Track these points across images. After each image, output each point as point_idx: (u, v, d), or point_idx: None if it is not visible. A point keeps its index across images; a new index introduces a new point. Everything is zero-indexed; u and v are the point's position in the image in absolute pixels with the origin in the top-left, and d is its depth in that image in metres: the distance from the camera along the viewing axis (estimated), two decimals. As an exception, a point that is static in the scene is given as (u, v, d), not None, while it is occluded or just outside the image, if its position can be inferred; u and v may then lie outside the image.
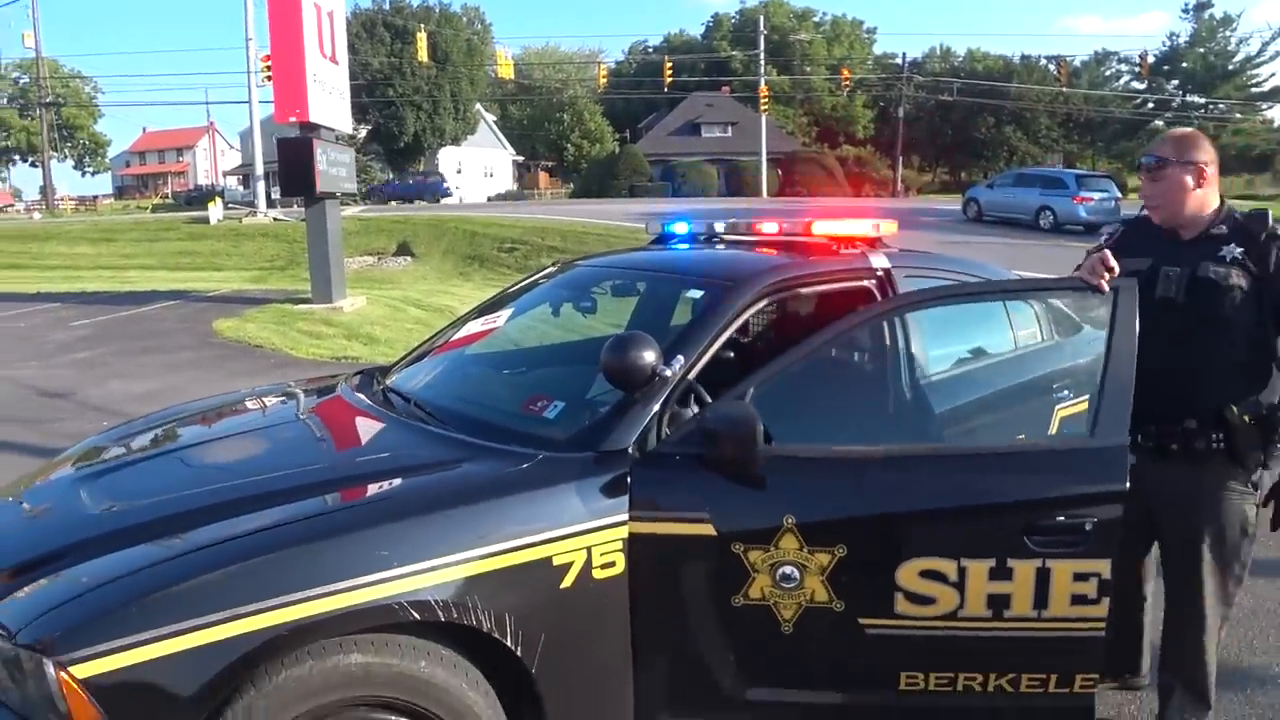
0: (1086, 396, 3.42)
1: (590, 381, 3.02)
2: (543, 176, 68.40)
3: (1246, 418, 2.77)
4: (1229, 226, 2.87)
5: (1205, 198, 2.90)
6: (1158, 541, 3.07)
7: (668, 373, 2.63)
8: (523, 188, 64.38)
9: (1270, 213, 2.86)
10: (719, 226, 3.89)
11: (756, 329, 3.82)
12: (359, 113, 14.46)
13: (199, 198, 52.45)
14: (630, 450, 2.54)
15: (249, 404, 3.65)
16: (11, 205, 64.83)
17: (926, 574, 2.52)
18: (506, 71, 41.88)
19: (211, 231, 27.06)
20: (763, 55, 50.36)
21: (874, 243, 3.55)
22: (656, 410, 2.61)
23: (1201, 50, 59.89)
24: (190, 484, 2.66)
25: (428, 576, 2.17)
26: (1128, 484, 2.53)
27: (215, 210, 30.07)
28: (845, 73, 55.95)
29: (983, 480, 2.61)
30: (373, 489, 2.48)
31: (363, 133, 48.23)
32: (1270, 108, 63.20)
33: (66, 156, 66.82)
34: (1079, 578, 2.53)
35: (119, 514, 2.44)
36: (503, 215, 29.38)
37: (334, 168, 14.29)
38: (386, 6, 50.26)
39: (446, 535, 2.24)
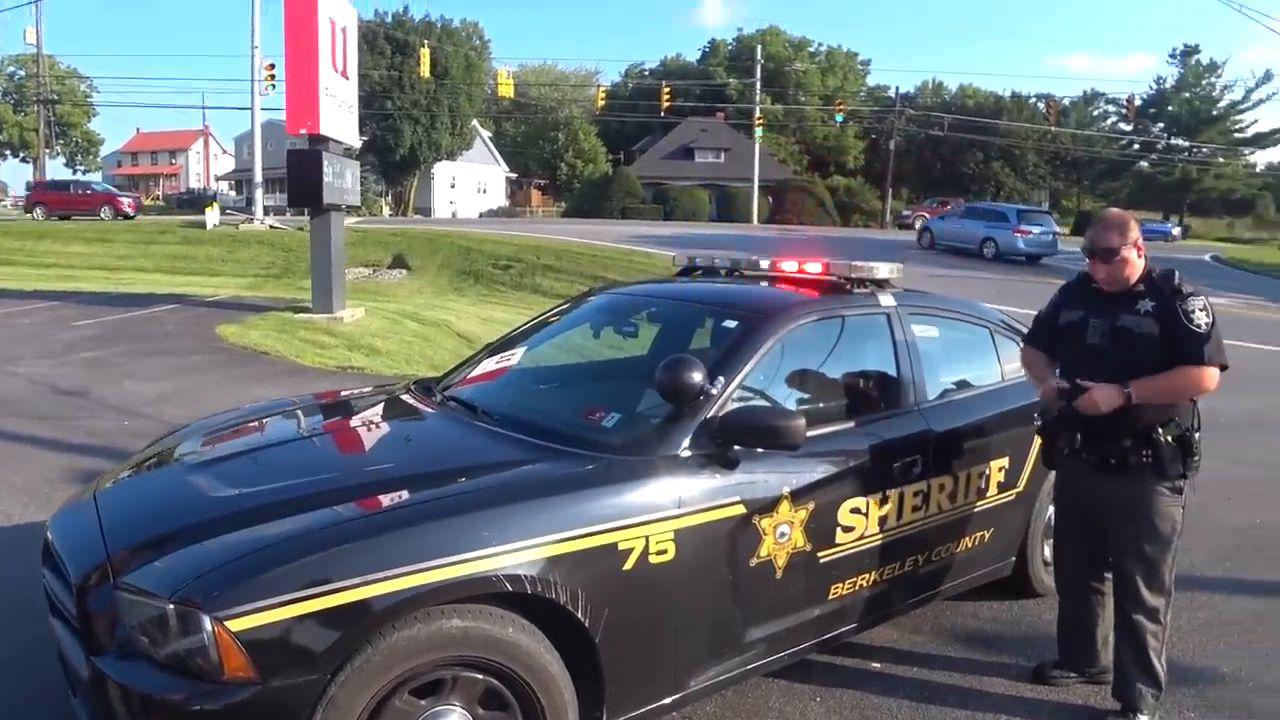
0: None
1: (639, 395, 3.57)
2: (535, 194, 68.87)
3: (1169, 438, 3.39)
4: (1145, 284, 3.47)
5: (1140, 264, 3.50)
6: (1107, 542, 3.60)
7: (713, 390, 3.15)
8: (515, 204, 64.84)
9: (1176, 273, 3.46)
10: (741, 262, 4.36)
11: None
12: (358, 124, 14.71)
13: (190, 201, 52.57)
14: (681, 454, 3.03)
15: (322, 405, 4.07)
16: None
17: (853, 510, 3.45)
18: (506, 90, 42.28)
19: (208, 236, 27.25)
20: (758, 83, 51.01)
21: (882, 283, 4.05)
22: (703, 421, 3.12)
23: (1187, 95, 61.28)
24: (308, 471, 3.07)
25: (520, 555, 2.58)
26: (935, 429, 3.77)
27: (212, 215, 30.29)
28: (838, 103, 56.65)
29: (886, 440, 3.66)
30: (467, 481, 2.87)
31: (360, 144, 48.58)
32: (1252, 153, 64.71)
33: (58, 153, 66.74)
34: (914, 494, 3.70)
35: (249, 496, 2.82)
36: (497, 232, 29.77)
37: (340, 180, 14.60)
38: (389, 20, 50.71)
39: (535, 521, 2.66)
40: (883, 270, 4.05)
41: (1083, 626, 3.81)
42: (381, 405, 3.94)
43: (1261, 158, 66.60)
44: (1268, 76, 57.92)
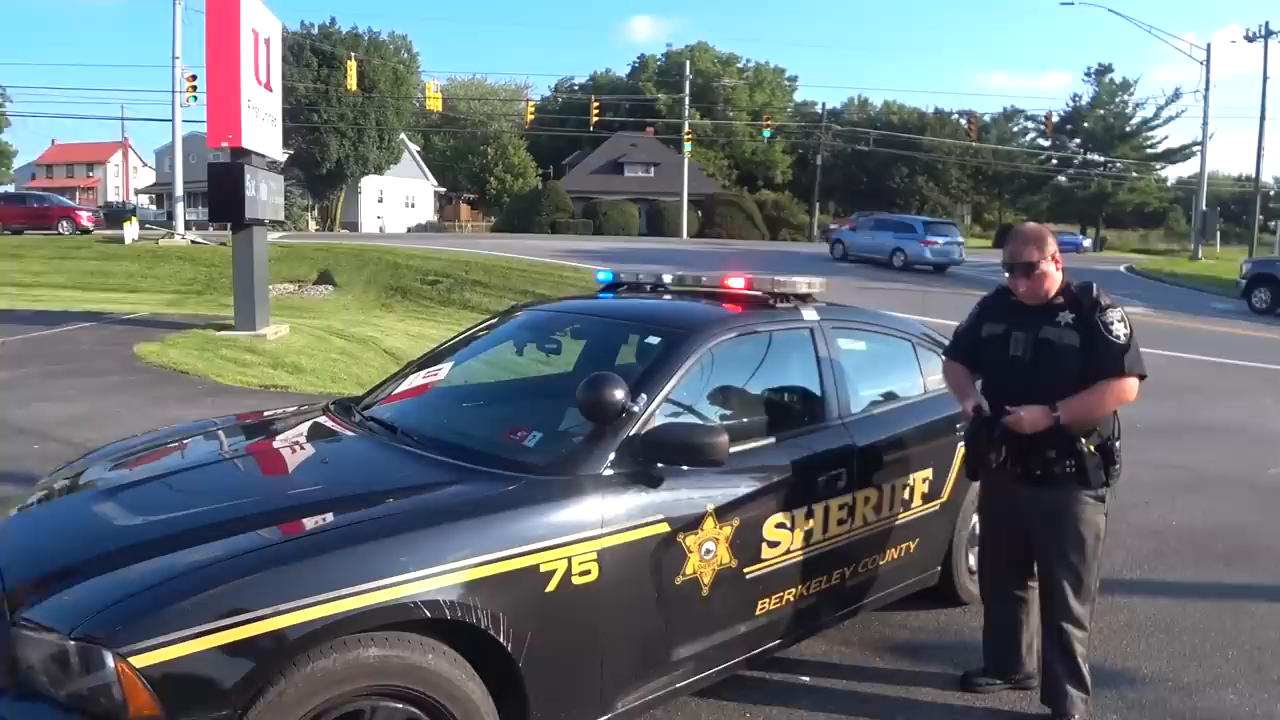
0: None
1: (561, 414, 3.53)
2: (464, 209, 68.45)
3: (1092, 447, 3.45)
4: (1065, 297, 3.54)
5: (1058, 277, 3.58)
6: (1032, 550, 3.66)
7: (635, 408, 3.12)
8: (444, 219, 64.42)
9: (1094, 285, 3.54)
10: (666, 278, 4.35)
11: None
12: (283, 137, 14.43)
13: (110, 215, 51.14)
14: (603, 473, 3.00)
15: (238, 427, 3.95)
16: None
17: (779, 525, 3.45)
18: (435, 104, 41.89)
19: (126, 251, 26.55)
20: (687, 98, 51.39)
21: (805, 298, 4.09)
22: (625, 439, 3.10)
23: (1101, 112, 63.30)
24: (219, 497, 2.94)
25: (438, 579, 2.52)
26: (858, 443, 3.81)
27: (130, 230, 29.51)
28: (766, 119, 57.36)
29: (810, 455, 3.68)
30: (384, 504, 2.79)
31: (284, 158, 47.80)
32: (1164, 168, 66.99)
33: (-35, 165, 64.44)
34: (840, 508, 3.71)
35: (158, 524, 2.70)
36: (425, 247, 29.46)
37: (263, 194, 14.33)
38: (315, 31, 50.03)
39: (454, 544, 2.60)
40: (806, 285, 4.09)
41: (1008, 634, 3.85)
42: (298, 427, 3.83)
43: (1172, 172, 69.01)
44: (1176, 95, 59.89)
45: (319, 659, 2.35)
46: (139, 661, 2.18)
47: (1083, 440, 3.45)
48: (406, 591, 2.46)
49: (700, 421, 3.42)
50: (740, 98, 71.84)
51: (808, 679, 3.93)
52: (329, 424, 3.72)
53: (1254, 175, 43.85)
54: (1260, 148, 46.40)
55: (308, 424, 3.82)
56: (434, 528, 2.63)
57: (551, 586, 2.74)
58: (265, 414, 4.34)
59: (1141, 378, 3.47)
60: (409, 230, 55.15)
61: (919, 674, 4.03)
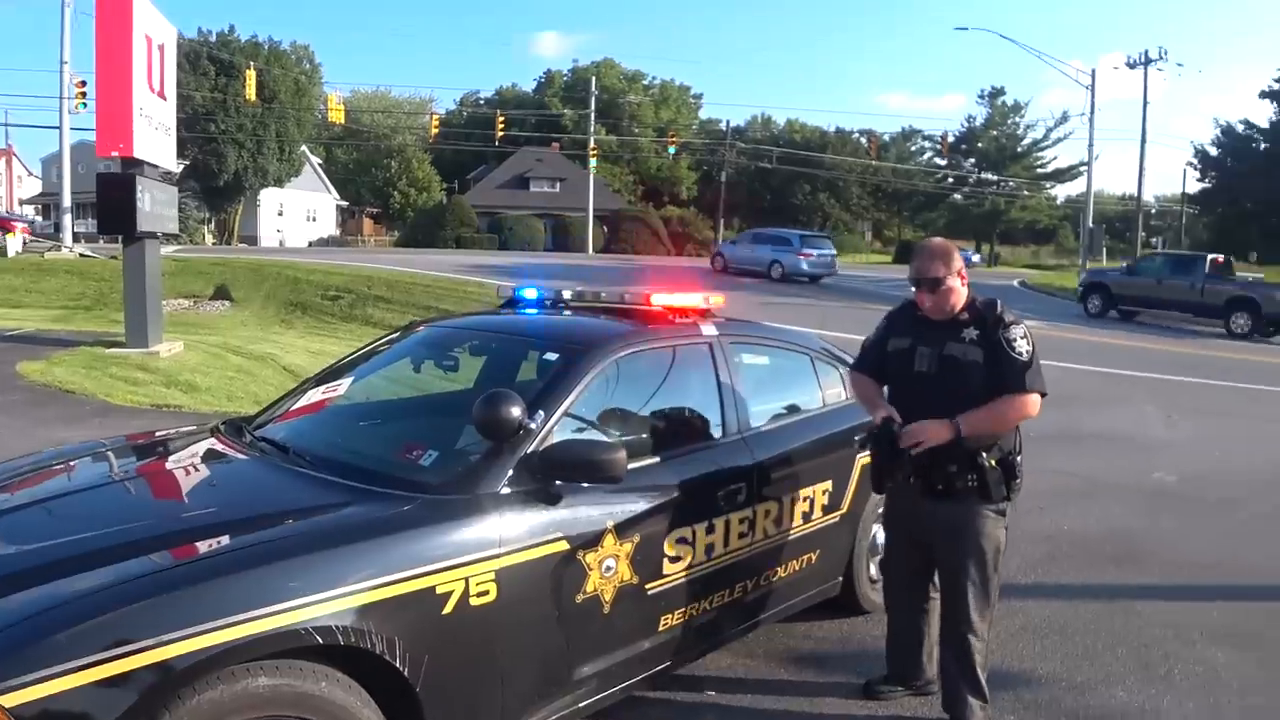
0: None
1: (458, 432, 3.45)
2: (367, 223, 67.41)
3: (993, 463, 3.51)
4: (970, 313, 3.61)
5: (964, 293, 3.64)
6: (934, 561, 3.73)
7: (532, 425, 3.09)
8: (346, 233, 63.30)
9: (999, 302, 3.62)
10: (566, 294, 4.34)
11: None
12: (178, 147, 13.92)
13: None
14: (501, 491, 2.96)
15: (126, 448, 3.77)
16: None
17: (680, 540, 3.46)
18: (337, 116, 41.10)
19: (10, 265, 25.34)
20: (593, 114, 51.50)
21: (704, 313, 4.12)
22: (523, 457, 3.06)
23: (995, 133, 65.77)
24: (100, 523, 2.79)
25: (331, 604, 2.44)
26: (758, 456, 3.84)
27: (13, 242, 28.24)
28: (672, 135, 57.84)
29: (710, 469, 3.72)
30: (273, 528, 2.70)
31: (179, 169, 46.39)
32: (1054, 186, 69.95)
33: None
34: (741, 521, 3.73)
35: (33, 553, 2.56)
36: (327, 262, 28.87)
37: (156, 206, 13.85)
38: (213, 39, 48.69)
39: (347, 568, 2.52)
40: (705, 300, 4.12)
41: (911, 642, 3.91)
42: (187, 448, 3.69)
43: (1061, 191, 72.14)
44: (1065, 117, 62.63)
45: (206, 691, 2.25)
46: (9, 701, 2.05)
47: (984, 455, 3.50)
48: (298, 618, 2.37)
49: (599, 438, 3.41)
50: (646, 114, 72.42)
51: (713, 694, 3.94)
52: (218, 445, 3.59)
53: (1136, 194, 46.30)
54: (1141, 168, 50.70)
55: (197, 445, 3.68)
56: (326, 551, 2.55)
57: (449, 608, 2.68)
58: (159, 434, 4.17)
59: (1043, 395, 3.54)
60: (310, 244, 53.88)
61: (823, 684, 4.07)
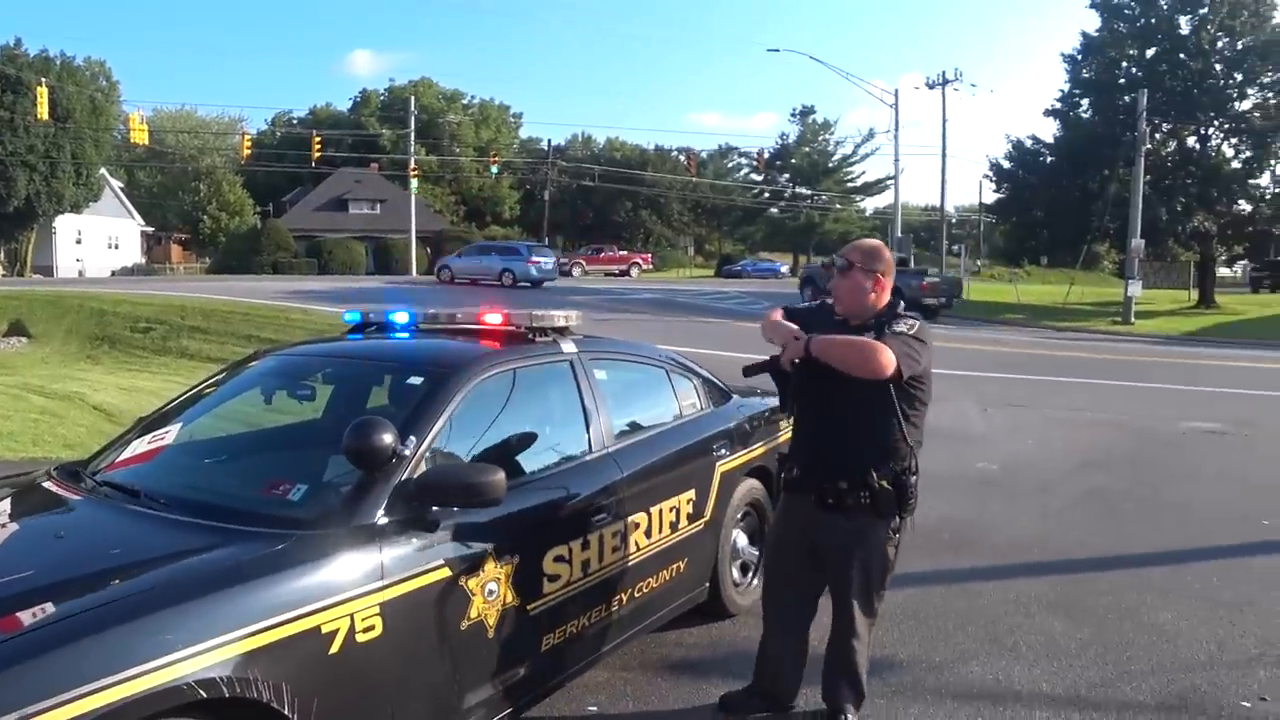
0: (742, 452, 4.74)
1: (323, 463, 3.33)
2: (175, 249, 64.05)
3: (884, 482, 3.50)
4: (878, 319, 3.55)
5: (879, 298, 3.61)
6: (822, 571, 3.74)
7: (405, 451, 3.00)
8: (153, 261, 59.88)
9: (900, 305, 3.62)
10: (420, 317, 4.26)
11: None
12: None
13: None
14: (378, 522, 2.87)
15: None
16: None
17: (557, 559, 3.47)
18: (140, 136, 38.59)
19: None
20: (413, 134, 50.64)
21: (563, 331, 4.13)
22: (398, 484, 2.97)
23: (807, 149, 68.90)
24: None
25: (211, 655, 2.29)
26: (624, 470, 3.88)
27: None
28: (493, 155, 57.56)
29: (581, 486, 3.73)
30: (137, 578, 2.50)
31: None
32: (863, 199, 73.92)
33: None
34: (613, 535, 3.78)
35: None
36: (134, 292, 27.18)
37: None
38: (-2, 53, 45.01)
39: (224, 614, 2.38)
40: (563, 318, 4.12)
41: (785, 647, 3.88)
42: (15, 498, 3.38)
43: (870, 203, 76.12)
44: (871, 134, 66.87)
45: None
46: None
47: (874, 475, 3.48)
48: (177, 673, 2.22)
49: (472, 461, 3.36)
50: (466, 134, 71.83)
51: (595, 708, 3.92)
52: (56, 491, 3.31)
53: (940, 205, 49.35)
54: (943, 181, 55.24)
55: (28, 494, 3.39)
56: (202, 598, 2.39)
57: (335, 647, 2.58)
58: None
59: (900, 372, 3.32)
60: (113, 274, 50.53)
61: (699, 689, 4.11)
